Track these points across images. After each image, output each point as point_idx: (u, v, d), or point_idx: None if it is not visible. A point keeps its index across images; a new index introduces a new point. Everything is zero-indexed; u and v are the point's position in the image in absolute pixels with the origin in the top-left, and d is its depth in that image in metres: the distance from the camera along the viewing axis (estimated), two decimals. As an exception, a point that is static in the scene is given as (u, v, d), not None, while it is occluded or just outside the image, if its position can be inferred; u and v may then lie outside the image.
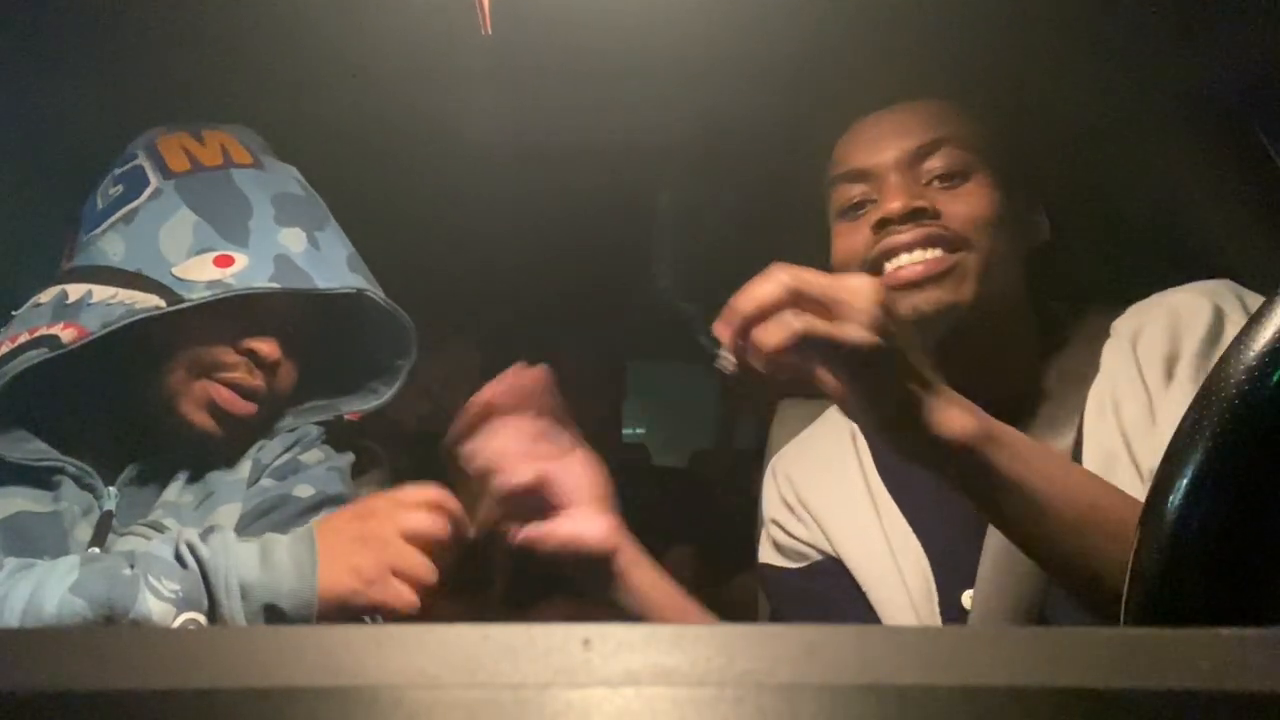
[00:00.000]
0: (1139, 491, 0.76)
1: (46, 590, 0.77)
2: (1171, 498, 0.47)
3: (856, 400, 0.74)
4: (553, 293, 1.92)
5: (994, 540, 0.89)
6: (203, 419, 0.98)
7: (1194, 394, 0.48)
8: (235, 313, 0.97)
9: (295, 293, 0.99)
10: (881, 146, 0.98)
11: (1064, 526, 0.72)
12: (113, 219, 1.00)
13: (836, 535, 1.00)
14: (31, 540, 0.91)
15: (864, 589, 0.96)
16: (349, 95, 1.23)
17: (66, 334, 0.92)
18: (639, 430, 3.61)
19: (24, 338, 0.93)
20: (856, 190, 0.99)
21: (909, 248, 0.93)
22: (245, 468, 1.03)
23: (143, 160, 1.04)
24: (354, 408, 1.12)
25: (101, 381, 1.01)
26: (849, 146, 1.02)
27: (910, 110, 1.00)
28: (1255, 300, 0.90)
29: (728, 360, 0.73)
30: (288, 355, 1.02)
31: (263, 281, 0.95)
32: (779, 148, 1.26)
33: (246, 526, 0.96)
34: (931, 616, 0.92)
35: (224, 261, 0.96)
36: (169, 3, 1.06)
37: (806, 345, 0.70)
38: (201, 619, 0.79)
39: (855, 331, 0.69)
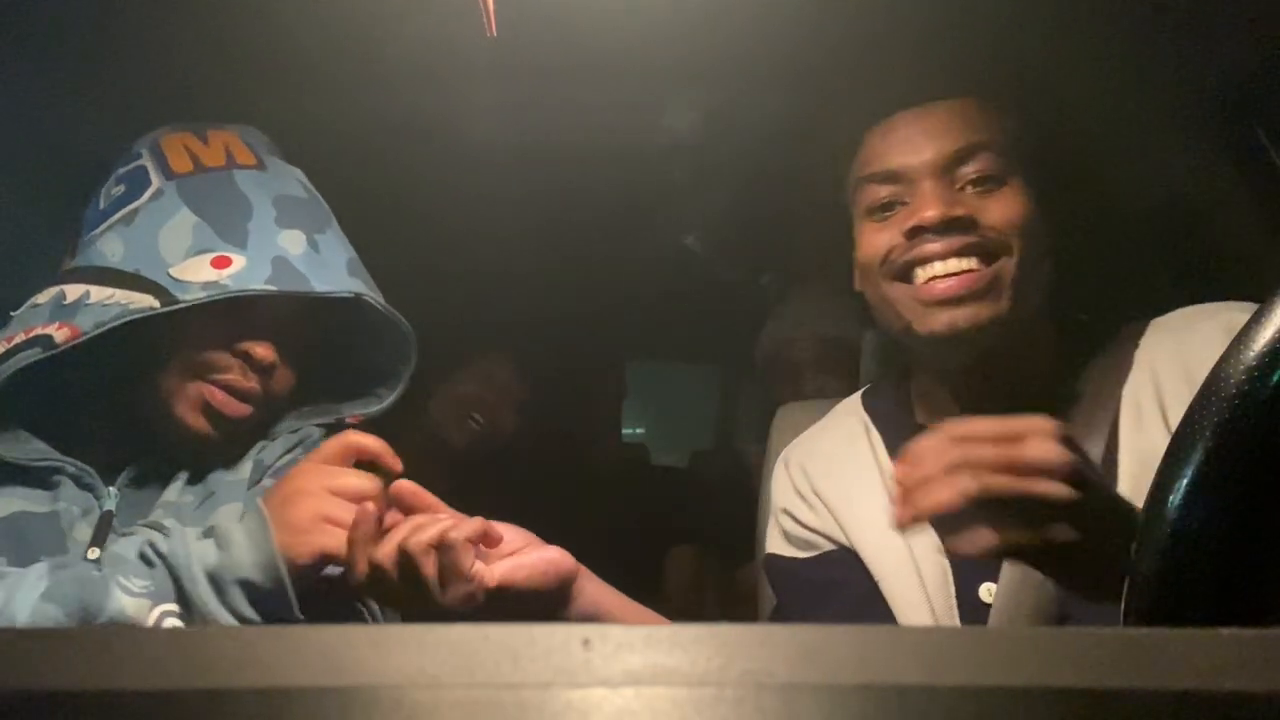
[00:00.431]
0: None
1: (17, 601, 0.78)
2: (1171, 498, 0.47)
3: (1064, 561, 0.67)
4: (553, 292, 1.92)
5: None
6: (196, 420, 0.98)
7: None
8: (232, 314, 0.97)
9: (292, 296, 0.99)
10: (916, 148, 0.96)
11: None
12: (113, 219, 1.00)
13: (851, 525, 1.00)
14: (29, 541, 0.91)
15: (877, 579, 0.96)
16: (350, 96, 1.23)
17: (60, 334, 0.92)
18: (639, 430, 3.61)
19: (20, 338, 0.93)
20: (887, 190, 0.97)
21: (942, 256, 0.92)
22: (246, 468, 1.03)
23: (146, 160, 1.04)
24: (356, 412, 1.12)
25: (101, 382, 1.01)
26: (881, 144, 0.99)
27: (946, 111, 0.98)
28: None
29: (899, 520, 0.68)
30: (285, 358, 1.02)
31: (259, 283, 0.95)
32: (789, 146, 1.26)
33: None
34: (948, 609, 0.92)
35: (221, 263, 0.95)
36: (171, 4, 1.06)
37: (985, 504, 0.64)
38: (175, 609, 0.80)
39: (1046, 485, 0.63)
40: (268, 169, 1.06)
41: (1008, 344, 0.94)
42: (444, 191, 1.49)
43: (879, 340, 1.28)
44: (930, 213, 0.92)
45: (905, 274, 0.95)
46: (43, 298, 0.97)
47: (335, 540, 0.81)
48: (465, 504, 0.86)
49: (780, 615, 1.11)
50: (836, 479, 1.04)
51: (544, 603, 0.83)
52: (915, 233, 0.93)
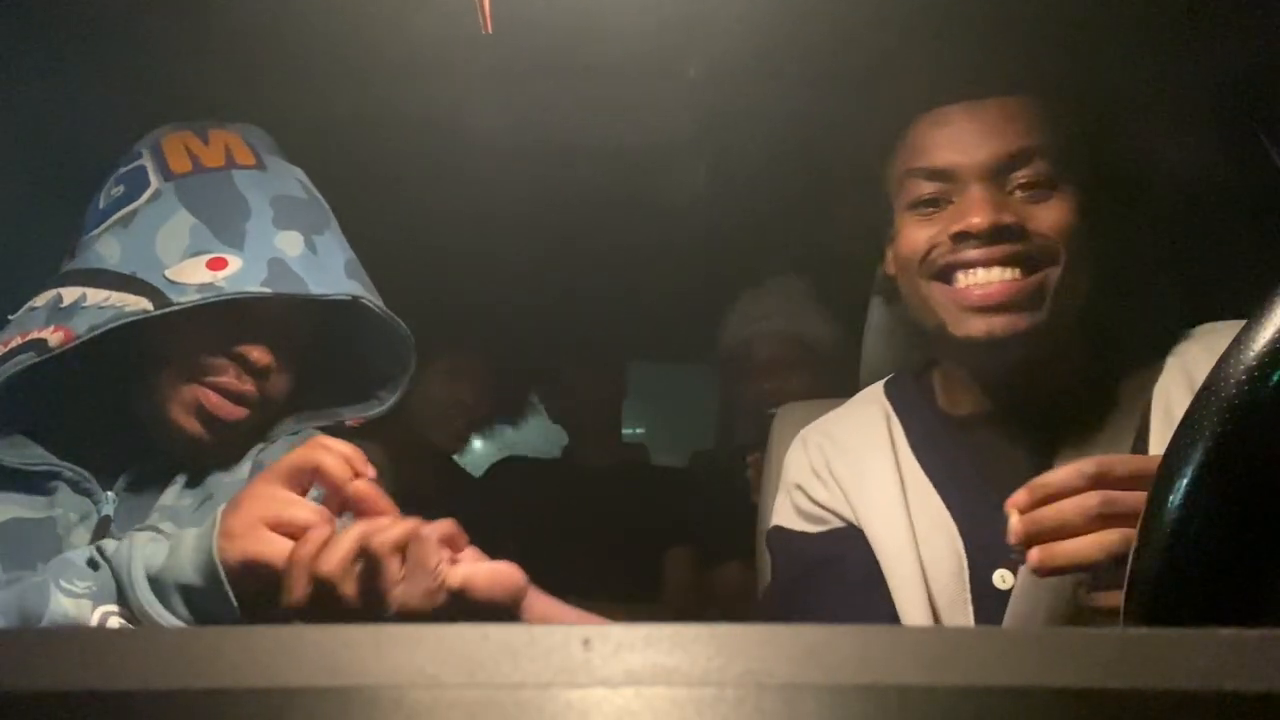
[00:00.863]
0: None
1: None
2: (1171, 498, 0.47)
3: None
4: (553, 292, 1.92)
5: None
6: (191, 423, 0.98)
7: None
8: (228, 316, 0.96)
9: (289, 298, 0.98)
10: (967, 147, 0.94)
11: None
12: (112, 220, 1.00)
13: (860, 505, 1.01)
14: (25, 546, 0.90)
15: (880, 560, 0.96)
16: (350, 95, 1.23)
17: (55, 337, 0.91)
18: (639, 430, 3.61)
19: (16, 342, 0.92)
20: (934, 187, 0.95)
21: (985, 264, 0.91)
22: (245, 470, 1.02)
23: (146, 160, 1.04)
24: (356, 414, 1.11)
25: (99, 386, 1.00)
26: (931, 137, 0.97)
27: (1001, 109, 0.95)
28: None
29: (1038, 565, 0.66)
30: (282, 361, 1.01)
31: (255, 285, 0.94)
32: (798, 143, 1.25)
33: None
34: (961, 594, 0.92)
35: (217, 264, 0.95)
36: (173, 4, 1.06)
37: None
38: (116, 609, 0.77)
39: None
40: (267, 169, 1.06)
41: (1042, 351, 0.94)
42: (444, 191, 1.49)
43: (889, 320, 1.25)
44: (978, 220, 0.90)
45: (946, 275, 0.94)
46: (40, 301, 0.97)
47: (270, 548, 0.75)
48: (454, 509, 0.83)
49: (775, 588, 1.11)
50: (853, 460, 1.05)
51: (494, 616, 0.78)
52: (961, 237, 0.92)
